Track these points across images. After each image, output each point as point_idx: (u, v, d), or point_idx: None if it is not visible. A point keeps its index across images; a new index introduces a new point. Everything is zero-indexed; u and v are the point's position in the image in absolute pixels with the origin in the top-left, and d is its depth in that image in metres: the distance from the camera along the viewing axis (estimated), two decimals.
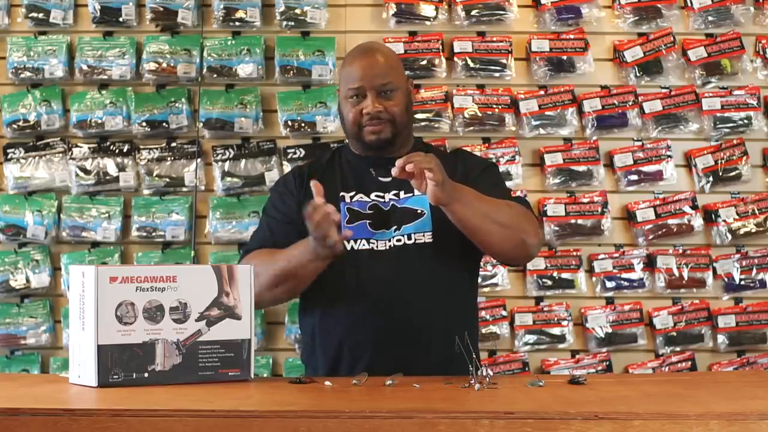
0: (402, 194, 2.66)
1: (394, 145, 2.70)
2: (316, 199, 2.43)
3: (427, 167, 2.35)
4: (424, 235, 2.63)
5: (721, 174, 3.94)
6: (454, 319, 2.63)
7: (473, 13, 3.94)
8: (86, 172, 3.92)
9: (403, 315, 2.59)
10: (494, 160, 3.87)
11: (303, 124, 3.92)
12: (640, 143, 3.96)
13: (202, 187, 3.94)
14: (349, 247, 2.60)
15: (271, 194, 2.85)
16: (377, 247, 2.62)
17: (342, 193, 2.68)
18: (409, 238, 2.63)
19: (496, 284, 3.89)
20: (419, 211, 2.63)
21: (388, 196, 2.67)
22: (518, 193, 3.80)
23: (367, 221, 2.63)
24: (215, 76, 3.93)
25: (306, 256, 2.52)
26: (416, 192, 2.60)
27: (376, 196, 2.67)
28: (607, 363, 3.90)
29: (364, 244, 2.61)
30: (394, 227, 2.63)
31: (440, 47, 3.94)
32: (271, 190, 2.89)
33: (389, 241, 2.62)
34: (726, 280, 3.94)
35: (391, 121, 2.67)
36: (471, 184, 2.60)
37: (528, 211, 2.65)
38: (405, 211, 2.65)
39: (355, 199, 2.68)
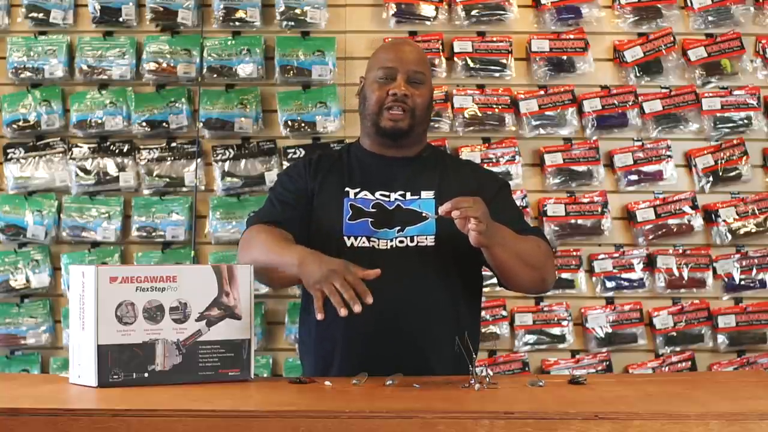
0: (408, 195, 2.66)
1: (407, 138, 2.70)
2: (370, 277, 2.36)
3: (473, 215, 2.38)
4: (426, 239, 2.62)
5: (721, 174, 3.94)
6: (450, 324, 2.62)
7: (473, 13, 3.94)
8: (86, 172, 3.92)
9: (397, 315, 2.58)
10: (494, 160, 3.88)
11: (303, 124, 3.92)
12: (640, 143, 3.96)
13: (202, 187, 3.94)
14: (348, 244, 2.60)
15: (281, 177, 2.82)
16: (378, 245, 2.61)
17: (347, 189, 2.68)
18: (412, 240, 2.62)
19: (496, 284, 3.87)
20: (424, 214, 2.63)
21: (394, 195, 2.67)
22: (517, 194, 3.82)
23: (369, 219, 2.63)
24: (215, 76, 3.93)
25: (288, 266, 2.46)
26: (423, 194, 2.63)
27: (381, 194, 2.67)
28: (607, 363, 3.90)
29: (364, 242, 2.60)
30: (398, 228, 2.63)
31: (440, 47, 3.93)
32: (281, 174, 2.88)
33: (391, 240, 2.62)
34: (726, 280, 3.94)
35: (412, 112, 2.66)
36: (486, 204, 2.60)
37: (549, 248, 2.70)
38: (410, 213, 2.65)
39: (359, 196, 2.67)
